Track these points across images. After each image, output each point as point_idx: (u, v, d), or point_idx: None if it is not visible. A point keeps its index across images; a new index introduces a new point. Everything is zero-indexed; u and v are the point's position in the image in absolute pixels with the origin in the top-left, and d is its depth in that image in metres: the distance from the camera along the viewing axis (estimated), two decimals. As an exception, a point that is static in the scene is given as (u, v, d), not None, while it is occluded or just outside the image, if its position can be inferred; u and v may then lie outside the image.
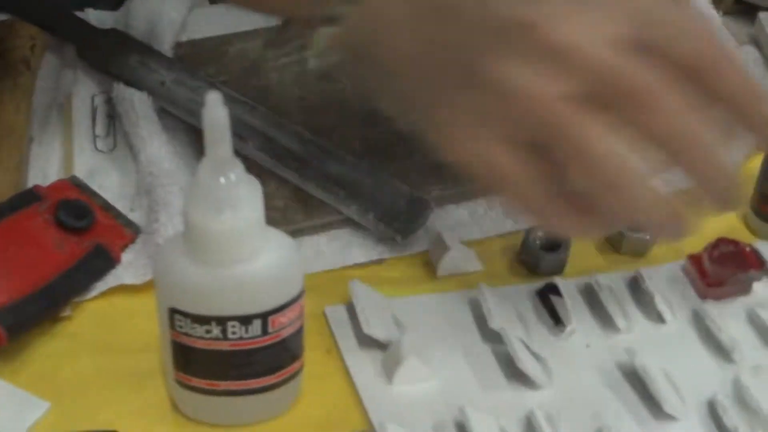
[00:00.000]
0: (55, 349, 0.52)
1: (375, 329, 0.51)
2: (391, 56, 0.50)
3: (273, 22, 0.74)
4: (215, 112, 0.41)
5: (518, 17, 0.45)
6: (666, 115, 0.44)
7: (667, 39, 0.45)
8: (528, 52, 0.45)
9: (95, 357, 0.52)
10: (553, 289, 0.54)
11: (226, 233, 0.43)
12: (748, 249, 0.54)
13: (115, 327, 0.54)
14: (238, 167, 0.43)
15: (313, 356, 0.51)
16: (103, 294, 0.55)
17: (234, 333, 0.45)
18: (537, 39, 0.44)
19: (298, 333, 0.47)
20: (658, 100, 0.44)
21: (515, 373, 0.50)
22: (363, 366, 0.51)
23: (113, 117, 0.66)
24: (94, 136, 0.65)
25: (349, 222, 0.58)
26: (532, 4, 0.45)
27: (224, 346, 0.45)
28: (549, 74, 0.44)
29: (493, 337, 0.52)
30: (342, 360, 0.52)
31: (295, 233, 0.58)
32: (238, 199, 0.43)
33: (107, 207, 0.58)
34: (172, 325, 0.45)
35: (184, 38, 0.72)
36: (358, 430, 0.49)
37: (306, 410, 0.50)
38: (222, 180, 0.42)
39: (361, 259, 0.57)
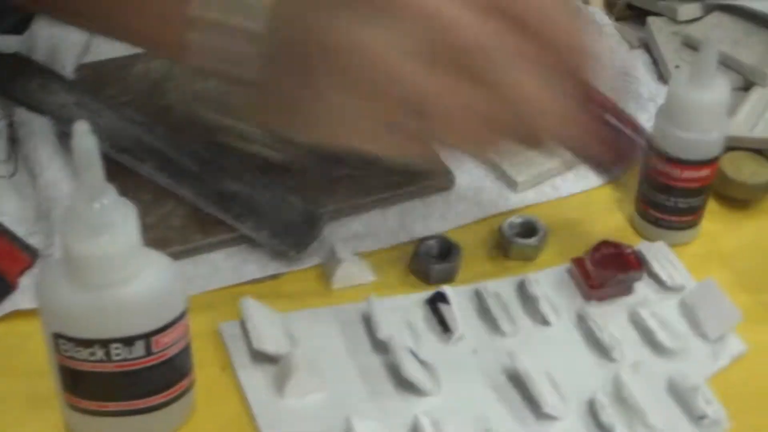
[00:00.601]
0: (-49, 375, 0.53)
1: (265, 344, 0.52)
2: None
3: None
4: (84, 141, 0.42)
5: None
6: (506, 72, 0.46)
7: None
8: (375, 14, 0.47)
9: (-9, 382, 0.53)
10: (442, 297, 0.55)
11: (103, 257, 0.44)
12: (628, 251, 0.56)
13: (12, 351, 0.54)
14: (111, 192, 0.44)
15: (207, 373, 0.52)
16: (0, 319, 0.55)
17: (118, 355, 0.46)
18: (380, 2, 0.47)
19: (185, 351, 0.48)
20: (495, 55, 0.46)
21: (403, 382, 0.51)
22: (255, 381, 0.52)
23: (15, 141, 0.66)
24: (-5, 162, 0.65)
25: (245, 239, 0.59)
26: None
27: (109, 368, 0.46)
28: (394, 34, 0.46)
29: (382, 348, 0.53)
30: (236, 376, 0.53)
31: (192, 252, 0.59)
32: (112, 223, 0.43)
33: (4, 231, 0.59)
34: (58, 349, 0.46)
35: (87, 60, 0.73)
36: (249, 445, 0.50)
37: (199, 427, 0.50)
38: (96, 205, 0.43)
39: (257, 275, 0.58)
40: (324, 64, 0.48)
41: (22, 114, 0.66)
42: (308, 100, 0.49)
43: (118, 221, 0.44)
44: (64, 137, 0.65)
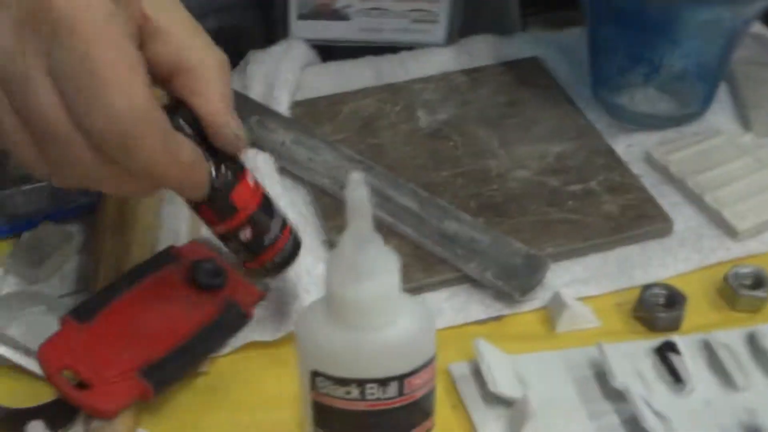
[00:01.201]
0: (194, 403, 0.55)
1: (501, 387, 0.53)
2: None
3: (383, 80, 0.77)
4: (358, 191, 0.44)
5: None
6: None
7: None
8: None
9: (231, 412, 0.55)
10: (671, 347, 0.55)
11: (367, 302, 0.46)
12: None
13: (249, 382, 0.57)
14: (378, 240, 0.45)
15: (438, 411, 0.53)
16: (237, 350, 0.58)
17: (372, 394, 0.47)
18: None
19: (431, 393, 0.49)
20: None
21: (639, 432, 0.52)
22: (488, 422, 0.53)
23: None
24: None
25: (467, 279, 0.61)
26: None
27: (362, 406, 0.48)
28: None
29: (614, 395, 0.53)
30: (467, 416, 0.54)
31: (415, 290, 0.60)
32: (377, 270, 0.45)
33: (237, 265, 0.62)
34: (314, 386, 0.48)
35: (298, 97, 0.76)
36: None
37: (435, 465, 0.52)
38: (363, 253, 0.45)
39: (481, 316, 0.59)
40: None
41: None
42: None
43: (382, 269, 0.45)
44: (283, 173, 0.68)
